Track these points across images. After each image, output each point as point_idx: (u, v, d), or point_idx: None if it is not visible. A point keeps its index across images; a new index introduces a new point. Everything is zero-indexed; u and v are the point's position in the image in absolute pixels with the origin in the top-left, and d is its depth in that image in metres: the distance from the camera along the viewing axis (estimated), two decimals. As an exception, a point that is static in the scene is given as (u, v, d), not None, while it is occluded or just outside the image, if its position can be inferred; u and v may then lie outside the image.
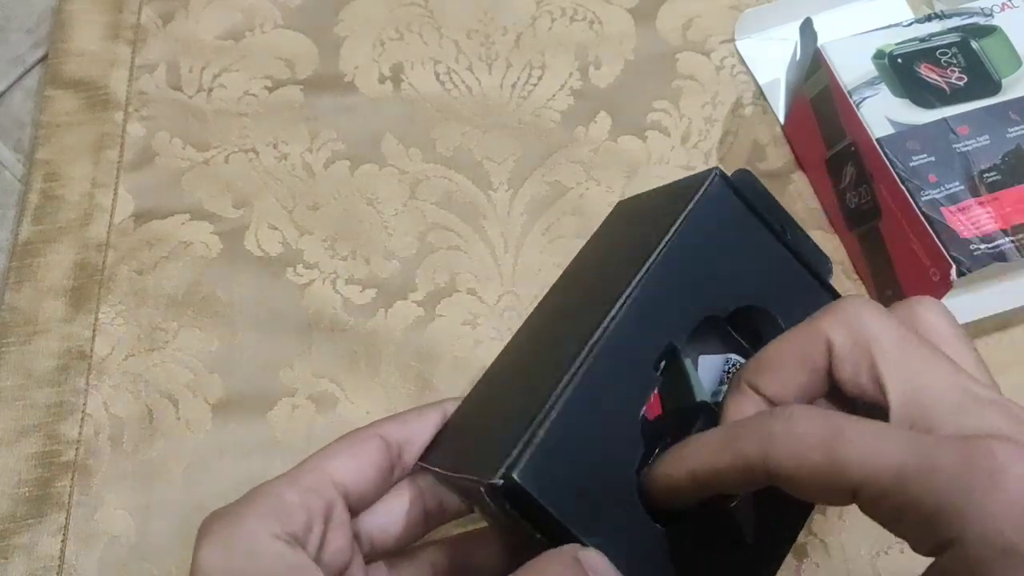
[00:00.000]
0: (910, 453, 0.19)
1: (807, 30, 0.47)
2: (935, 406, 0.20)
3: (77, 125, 0.48)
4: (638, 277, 0.27)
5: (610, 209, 0.46)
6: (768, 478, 0.21)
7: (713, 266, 0.29)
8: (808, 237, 0.34)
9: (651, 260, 0.28)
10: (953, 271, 0.36)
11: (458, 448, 0.28)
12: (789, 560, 0.38)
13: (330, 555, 0.25)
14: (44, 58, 0.51)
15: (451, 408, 0.30)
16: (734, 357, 0.31)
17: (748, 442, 0.21)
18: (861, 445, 0.20)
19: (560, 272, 0.45)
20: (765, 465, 0.21)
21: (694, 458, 0.23)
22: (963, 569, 0.18)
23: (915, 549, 0.20)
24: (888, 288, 0.41)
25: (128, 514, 0.39)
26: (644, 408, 0.27)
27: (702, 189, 0.30)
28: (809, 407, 0.22)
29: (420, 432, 0.28)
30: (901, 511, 0.20)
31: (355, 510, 0.27)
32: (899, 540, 0.39)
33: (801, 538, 0.39)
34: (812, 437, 0.20)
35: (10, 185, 0.48)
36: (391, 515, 0.28)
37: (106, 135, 0.48)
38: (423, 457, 0.29)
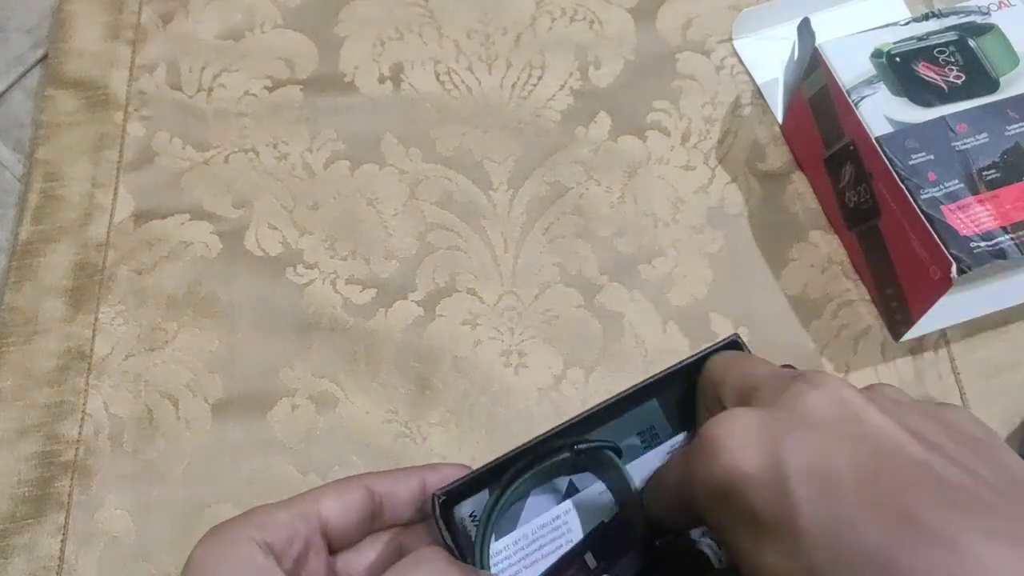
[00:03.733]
0: None
1: (805, 29, 0.47)
2: None
3: (77, 125, 0.48)
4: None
5: (610, 209, 0.46)
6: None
7: None
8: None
9: None
10: (953, 269, 0.36)
11: None
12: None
13: (307, 574, 0.28)
14: (44, 58, 0.51)
15: (434, 474, 0.32)
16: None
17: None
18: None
19: (559, 272, 0.45)
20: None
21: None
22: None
23: None
24: (888, 287, 0.42)
25: (128, 514, 0.39)
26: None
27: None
28: None
29: (404, 488, 0.31)
30: None
31: (334, 547, 0.30)
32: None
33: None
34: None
35: (10, 185, 0.48)
36: (368, 558, 0.31)
37: (106, 135, 0.48)
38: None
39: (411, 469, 0.32)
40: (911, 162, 0.38)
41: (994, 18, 0.42)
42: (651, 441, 0.34)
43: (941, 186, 0.38)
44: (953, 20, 0.42)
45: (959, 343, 0.43)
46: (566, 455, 0.32)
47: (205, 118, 0.48)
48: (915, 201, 0.37)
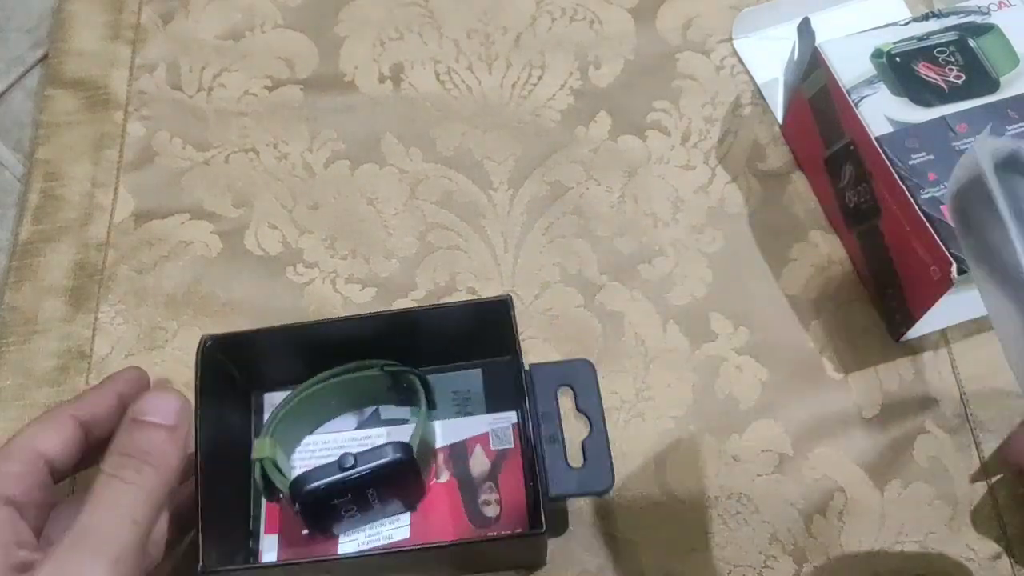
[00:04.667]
0: None
1: (805, 29, 0.47)
2: None
3: (77, 125, 0.48)
4: None
5: (610, 209, 0.46)
6: None
7: None
8: None
9: None
10: (954, 269, 0.36)
11: None
12: (788, 564, 0.38)
13: (42, 519, 0.31)
14: (44, 58, 0.51)
15: (118, 383, 0.34)
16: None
17: None
18: None
19: (559, 272, 0.45)
20: None
21: None
22: None
23: None
24: (888, 287, 0.42)
25: (128, 513, 0.39)
26: None
27: None
28: None
29: (103, 405, 0.33)
30: None
31: (56, 479, 0.31)
32: (899, 540, 0.39)
33: (800, 541, 0.39)
34: None
35: (10, 185, 0.48)
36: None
37: (106, 135, 0.48)
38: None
39: (101, 386, 0.34)
40: (911, 162, 0.38)
41: (994, 18, 0.42)
42: (464, 406, 0.40)
43: (941, 186, 0.38)
44: (953, 20, 0.42)
45: (959, 343, 0.43)
46: (375, 372, 0.38)
47: (205, 118, 0.48)
48: (915, 201, 0.37)
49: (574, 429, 0.38)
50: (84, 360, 0.42)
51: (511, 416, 0.40)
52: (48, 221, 0.46)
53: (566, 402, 0.38)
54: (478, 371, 0.41)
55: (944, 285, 0.37)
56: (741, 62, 0.50)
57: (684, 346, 0.43)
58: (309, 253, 0.45)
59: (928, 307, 0.39)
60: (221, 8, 0.51)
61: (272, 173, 0.47)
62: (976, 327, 0.43)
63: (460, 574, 0.38)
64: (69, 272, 0.44)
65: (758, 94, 0.49)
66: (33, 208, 0.46)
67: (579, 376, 0.37)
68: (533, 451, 0.35)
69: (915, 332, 0.41)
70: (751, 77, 0.49)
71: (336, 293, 0.44)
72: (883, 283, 0.42)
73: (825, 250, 0.45)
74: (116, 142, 0.48)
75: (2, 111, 0.50)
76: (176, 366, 0.42)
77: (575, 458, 0.36)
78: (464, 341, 0.39)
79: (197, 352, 0.35)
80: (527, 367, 0.37)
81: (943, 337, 0.43)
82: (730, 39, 0.50)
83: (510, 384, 0.39)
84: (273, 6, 0.52)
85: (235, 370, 0.38)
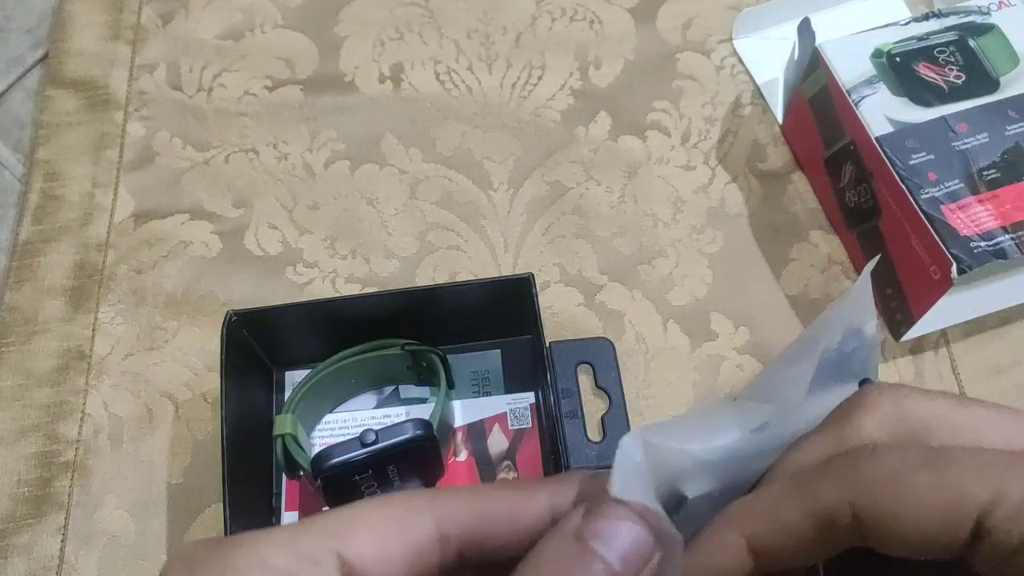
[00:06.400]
0: None
1: (805, 29, 0.47)
2: None
3: (77, 125, 0.48)
4: None
5: (610, 209, 0.46)
6: (854, 531, 0.17)
7: None
8: None
9: None
10: (953, 269, 0.36)
11: None
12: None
13: None
14: (44, 58, 0.51)
15: (563, 492, 0.20)
16: None
17: (826, 485, 0.17)
18: (981, 460, 0.16)
19: (559, 272, 0.45)
20: (852, 510, 0.17)
21: (750, 520, 0.18)
22: None
23: None
24: (888, 287, 0.42)
25: (127, 514, 0.39)
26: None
27: None
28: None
29: (507, 525, 0.19)
30: None
31: None
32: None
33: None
34: (913, 460, 0.17)
35: (10, 185, 0.48)
36: None
37: (106, 135, 0.48)
38: None
39: (526, 486, 0.20)
40: (911, 162, 0.38)
41: (994, 18, 0.42)
42: (482, 386, 0.40)
43: (941, 186, 0.38)
44: (953, 20, 0.42)
45: (959, 343, 0.43)
46: (396, 351, 0.38)
47: (205, 118, 0.48)
48: (915, 201, 0.37)
49: (594, 406, 0.40)
50: (84, 360, 0.42)
51: (529, 397, 0.40)
52: (48, 221, 0.46)
53: (585, 379, 0.40)
54: (497, 351, 0.41)
55: (944, 285, 0.37)
56: (741, 62, 0.50)
57: (685, 345, 0.43)
58: (309, 253, 0.45)
59: (928, 307, 0.39)
60: (221, 8, 0.51)
61: (272, 173, 0.47)
62: (976, 327, 0.43)
63: None
64: (69, 272, 0.44)
65: (758, 94, 0.49)
66: (33, 208, 0.46)
67: (598, 353, 0.40)
68: (554, 425, 0.36)
69: (915, 332, 0.41)
70: (751, 77, 0.49)
71: (336, 293, 0.44)
72: (883, 283, 0.42)
73: (825, 250, 0.45)
74: (116, 142, 0.48)
75: (2, 111, 0.50)
76: (176, 366, 0.42)
77: (594, 433, 0.38)
78: (483, 321, 0.40)
79: (222, 327, 0.35)
80: (547, 344, 0.38)
81: (943, 337, 0.43)
82: (730, 39, 0.50)
83: (528, 364, 0.40)
84: (273, 6, 0.51)
85: (258, 347, 0.38)
